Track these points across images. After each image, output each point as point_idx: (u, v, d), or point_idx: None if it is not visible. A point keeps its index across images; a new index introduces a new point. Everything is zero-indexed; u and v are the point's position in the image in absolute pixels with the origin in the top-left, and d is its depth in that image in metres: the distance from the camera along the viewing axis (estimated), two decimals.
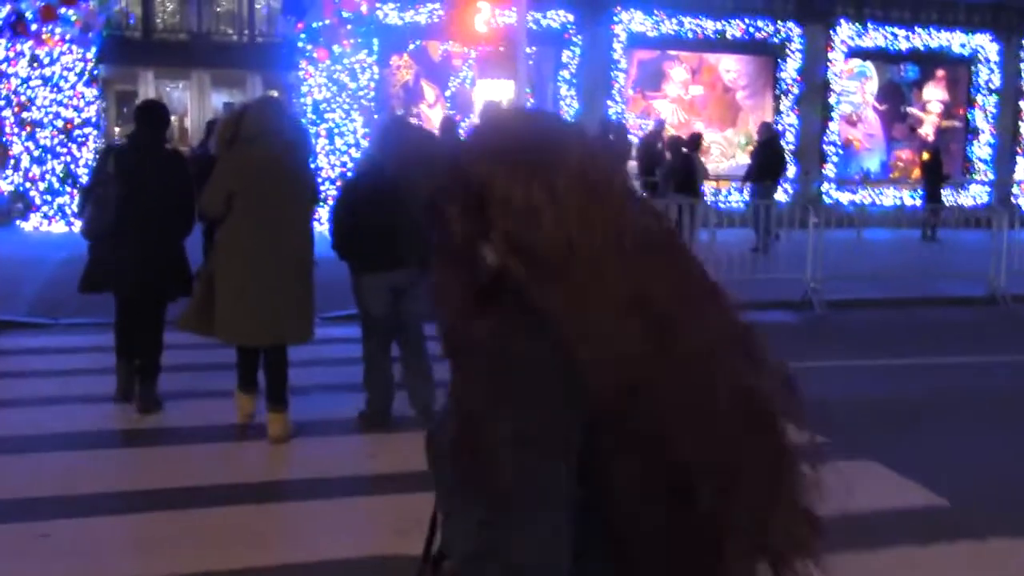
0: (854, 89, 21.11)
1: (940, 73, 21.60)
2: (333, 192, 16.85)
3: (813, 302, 11.08)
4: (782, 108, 20.24)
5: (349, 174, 6.99)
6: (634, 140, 16.86)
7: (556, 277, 1.20)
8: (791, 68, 20.11)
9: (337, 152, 17.22)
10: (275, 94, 18.51)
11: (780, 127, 19.93)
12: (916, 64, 21.29)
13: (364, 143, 17.30)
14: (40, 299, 10.03)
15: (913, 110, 21.69)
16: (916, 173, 20.67)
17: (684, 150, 13.99)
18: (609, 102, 18.95)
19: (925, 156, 19.48)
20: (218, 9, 18.14)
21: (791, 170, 20.23)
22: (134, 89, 18.25)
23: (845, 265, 11.62)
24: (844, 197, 20.41)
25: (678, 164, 13.72)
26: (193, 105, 18.32)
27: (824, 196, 20.28)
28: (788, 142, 20.18)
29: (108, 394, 6.36)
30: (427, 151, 5.34)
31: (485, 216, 1.23)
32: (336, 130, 17.19)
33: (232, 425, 5.90)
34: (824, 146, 20.50)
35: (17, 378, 7.09)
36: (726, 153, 20.37)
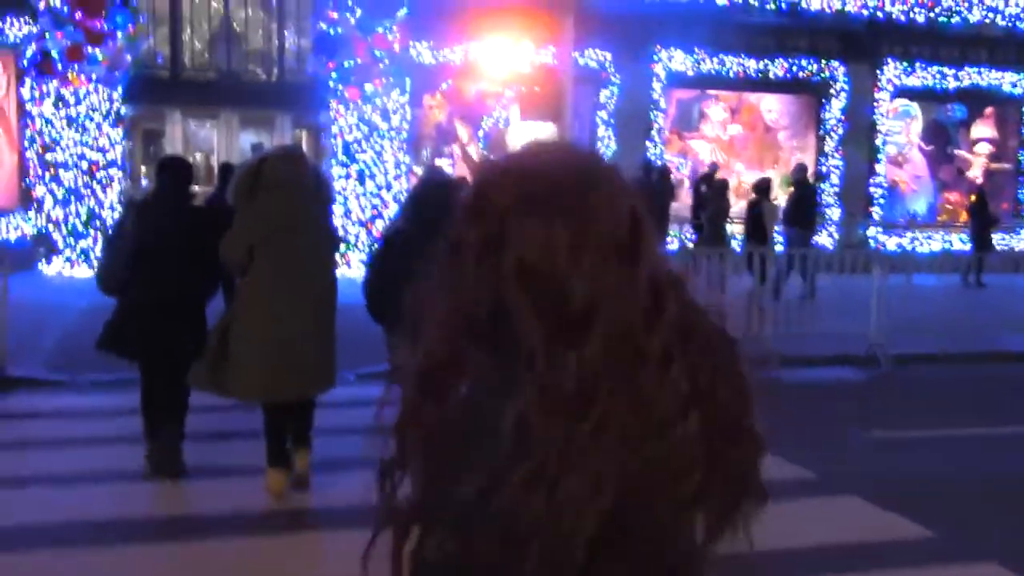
0: (899, 129, 20.44)
1: (988, 111, 20.89)
2: (359, 232, 16.42)
3: (879, 358, 10.37)
4: (826, 149, 19.59)
5: (385, 229, 6.60)
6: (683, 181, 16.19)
7: (563, 340, 1.14)
8: (835, 108, 19.48)
9: (368, 194, 16.70)
10: (301, 138, 18.02)
11: (824, 168, 19.32)
12: (964, 103, 20.60)
13: (395, 184, 16.81)
14: (59, 351, 9.48)
15: (961, 152, 20.97)
16: (964, 216, 19.93)
17: (754, 196, 13.40)
18: (647, 142, 18.37)
19: (972, 199, 18.76)
20: (247, 48, 17.70)
21: (835, 213, 19.58)
22: (161, 129, 17.83)
23: (902, 315, 10.86)
24: (890, 241, 19.72)
25: (745, 209, 13.07)
26: (220, 145, 17.85)
27: (870, 240, 19.58)
28: (833, 184, 19.55)
29: (130, 469, 5.75)
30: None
31: (500, 252, 1.17)
32: (367, 172, 16.68)
33: (266, 512, 5.27)
34: (870, 188, 19.81)
35: (28, 449, 6.47)
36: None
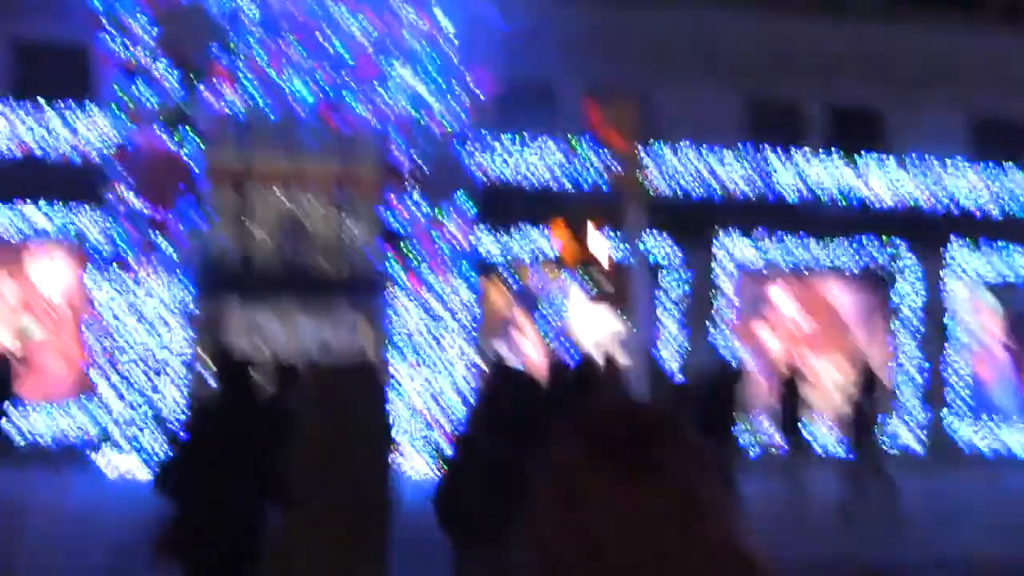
0: (976, 319, 19.70)
1: None
2: (418, 424, 15.92)
3: None
4: (899, 338, 18.90)
5: (459, 431, 6.34)
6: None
7: None
8: (906, 295, 18.92)
9: (429, 386, 16.29)
10: (362, 328, 17.84)
11: (898, 359, 18.58)
12: None
13: (456, 375, 16.39)
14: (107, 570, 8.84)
15: None
16: None
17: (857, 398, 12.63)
18: (713, 330, 17.90)
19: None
20: (312, 239, 17.84)
21: (915, 407, 18.69)
22: (225, 320, 17.83)
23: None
24: (975, 438, 18.71)
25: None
26: (284, 336, 17.74)
27: (951, 437, 18.58)
28: (908, 376, 18.74)
29: None
30: (533, 406, 5.13)
31: (571, 510, 1.21)
32: (428, 361, 16.34)
33: None
34: (947, 381, 18.93)
35: None
36: (840, 387, 18.89)
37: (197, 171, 15.91)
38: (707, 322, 17.91)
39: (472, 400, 5.63)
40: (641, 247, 10.46)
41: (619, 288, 10.21)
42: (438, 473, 5.42)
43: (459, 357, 16.48)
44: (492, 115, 16.84)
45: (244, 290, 17.13)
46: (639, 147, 10.17)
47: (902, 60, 18.80)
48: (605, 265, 10.16)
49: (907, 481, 12.07)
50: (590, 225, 9.88)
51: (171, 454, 5.89)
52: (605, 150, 10.45)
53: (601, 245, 10.01)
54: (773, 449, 15.78)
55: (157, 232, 15.43)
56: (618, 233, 10.79)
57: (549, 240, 16.66)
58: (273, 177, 17.56)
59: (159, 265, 15.51)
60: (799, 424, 13.43)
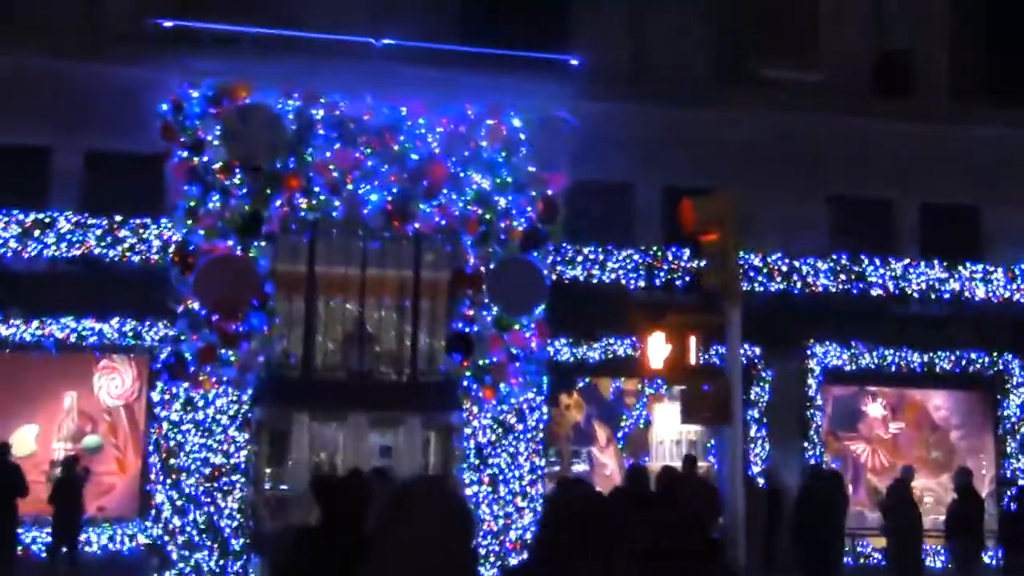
0: None
1: None
2: (491, 543, 15.02)
3: None
4: (1008, 450, 17.58)
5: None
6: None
7: None
8: (1013, 404, 17.67)
9: (501, 501, 15.42)
10: (431, 440, 17.12)
11: (1008, 473, 17.24)
12: None
13: (530, 490, 15.51)
14: None
15: None
16: None
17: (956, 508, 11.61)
18: (803, 443, 16.81)
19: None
20: (380, 349, 17.29)
21: None
22: (288, 430, 17.26)
23: None
24: None
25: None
26: (347, 447, 17.07)
27: None
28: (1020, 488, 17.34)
29: None
30: (600, 527, 4.25)
31: None
32: (500, 476, 15.49)
33: None
34: None
35: None
36: (942, 501, 17.56)
37: (264, 279, 15.54)
38: (797, 434, 16.83)
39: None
40: (739, 354, 9.65)
41: (717, 399, 9.38)
42: None
43: (531, 472, 15.60)
44: (569, 220, 16.30)
45: (308, 402, 16.56)
46: (737, 245, 9.48)
47: (989, 157, 18.00)
48: (700, 374, 9.36)
49: None
50: (687, 334, 9.15)
51: None
52: (700, 251, 9.77)
53: (696, 353, 9.23)
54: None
55: (223, 343, 15.00)
56: (710, 341, 10.07)
57: (634, 349, 15.95)
58: (341, 285, 17.20)
59: (224, 377, 15.05)
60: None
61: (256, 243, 15.48)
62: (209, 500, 14.89)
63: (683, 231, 10.35)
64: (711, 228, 9.23)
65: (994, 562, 15.60)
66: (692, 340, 9.26)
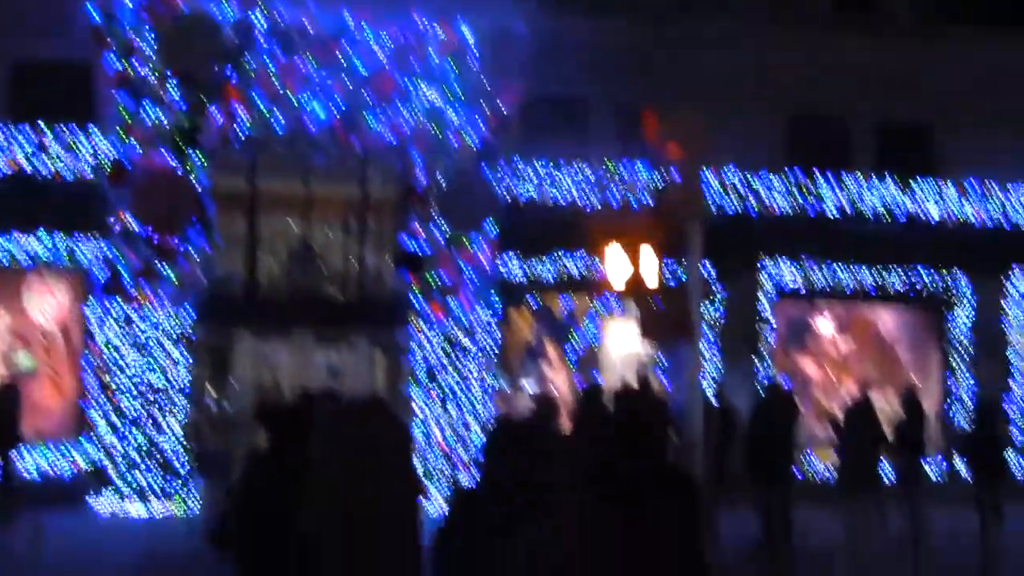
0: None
1: None
2: (441, 463, 14.82)
3: None
4: (953, 366, 17.73)
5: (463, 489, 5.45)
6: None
7: None
8: (961, 321, 17.77)
9: (451, 420, 15.21)
10: (378, 359, 16.82)
11: (954, 388, 17.41)
12: None
13: (482, 409, 15.33)
14: None
15: None
16: None
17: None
18: (754, 360, 16.77)
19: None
20: (325, 267, 16.83)
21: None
22: (229, 350, 16.82)
23: None
24: None
25: None
26: (293, 366, 16.68)
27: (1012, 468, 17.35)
28: (966, 407, 17.56)
29: None
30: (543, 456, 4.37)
31: None
32: (450, 395, 15.26)
33: None
34: (1007, 410, 17.73)
35: None
36: (888, 418, 17.70)
37: (204, 195, 14.93)
38: (748, 352, 16.78)
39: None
40: (700, 271, 9.38)
41: (678, 315, 9.11)
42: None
43: (482, 389, 15.39)
44: (520, 134, 15.83)
45: (251, 320, 16.10)
46: (702, 161, 9.14)
47: (947, 77, 17.78)
48: (660, 290, 9.08)
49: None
50: (644, 248, 8.83)
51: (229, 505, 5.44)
52: (661, 167, 9.42)
53: (653, 269, 8.93)
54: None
55: (161, 260, 14.44)
56: (667, 258, 9.77)
57: (586, 267, 15.69)
58: (284, 201, 16.65)
59: (163, 294, 14.53)
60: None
61: (194, 157, 14.81)
62: (150, 421, 14.48)
63: (648, 145, 9.96)
64: (676, 143, 8.87)
65: (938, 477, 15.83)
66: (652, 255, 8.95)
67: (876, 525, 11.87)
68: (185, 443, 14.71)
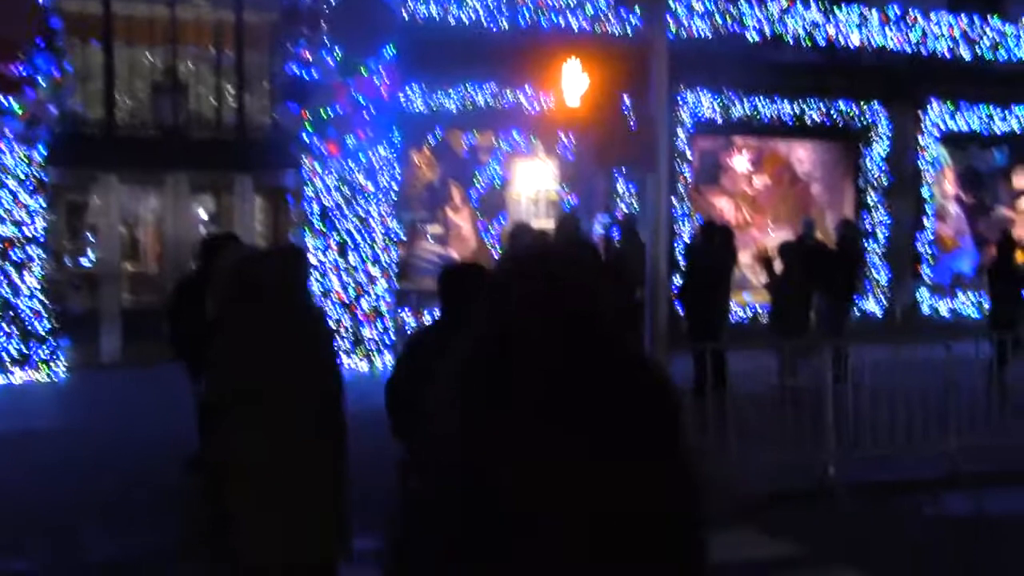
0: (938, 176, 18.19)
1: None
2: (342, 316, 13.49)
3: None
4: (868, 201, 17.24)
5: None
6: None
7: None
8: (876, 155, 17.18)
9: (350, 270, 13.82)
10: (261, 206, 15.20)
11: (869, 225, 16.98)
12: (1010, 147, 18.46)
13: (384, 257, 13.98)
14: None
15: (1003, 210, 18.75)
16: None
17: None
18: (672, 198, 15.82)
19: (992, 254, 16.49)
20: (197, 100, 14.84)
21: (882, 276, 17.27)
22: (91, 198, 14.85)
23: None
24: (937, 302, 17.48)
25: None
26: (168, 217, 14.85)
27: (921, 305, 17.28)
28: (878, 242, 17.19)
29: None
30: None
31: None
32: (350, 243, 13.81)
33: None
34: (918, 246, 17.48)
35: None
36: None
37: (49, 14, 12.72)
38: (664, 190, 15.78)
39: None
40: (664, 97, 8.18)
41: (640, 141, 7.94)
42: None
43: (384, 237, 13.99)
44: None
45: (114, 162, 14.13)
46: None
47: None
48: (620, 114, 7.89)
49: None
50: (607, 66, 7.58)
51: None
52: None
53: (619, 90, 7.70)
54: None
55: (3, 89, 12.26)
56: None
57: (494, 98, 14.29)
58: (145, 28, 14.51)
59: (8, 131, 12.43)
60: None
61: None
62: (3, 279, 12.60)
63: None
64: None
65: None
66: (610, 75, 7.69)
67: (809, 366, 11.34)
68: (45, 303, 12.94)
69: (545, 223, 14.61)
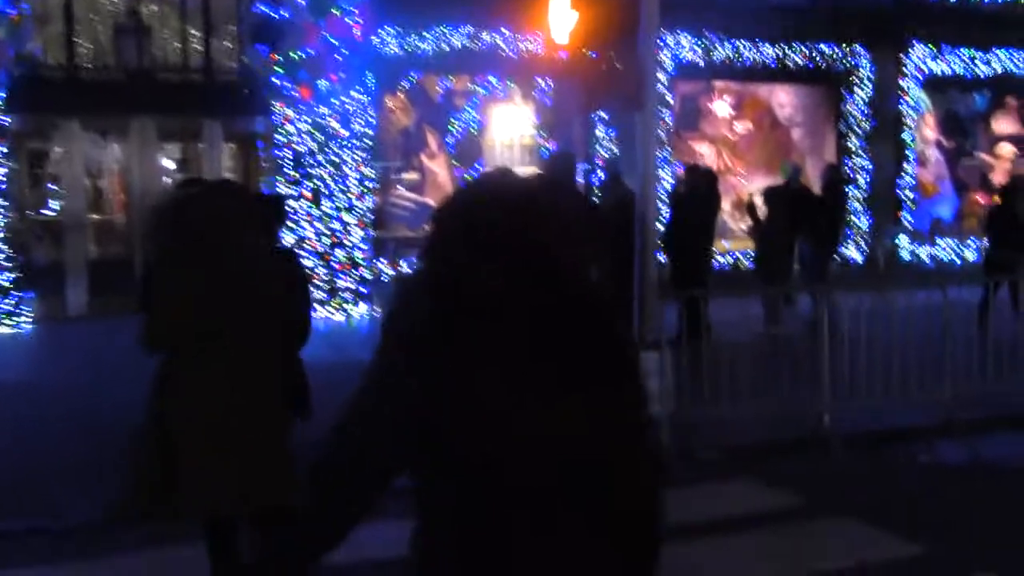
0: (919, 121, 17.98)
1: (1011, 103, 18.62)
2: (316, 265, 13.15)
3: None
4: (850, 147, 17.01)
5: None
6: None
7: None
8: (859, 99, 16.92)
9: (325, 218, 13.45)
10: (233, 151, 14.75)
11: (850, 171, 16.77)
12: (991, 91, 18.26)
13: (358, 204, 13.61)
14: None
15: (983, 156, 18.60)
16: None
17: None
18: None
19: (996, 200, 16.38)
20: (162, 42, 14.28)
21: (863, 222, 17.11)
22: (52, 146, 14.32)
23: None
24: (921, 251, 17.35)
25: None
26: (134, 165, 14.35)
27: (902, 252, 17.15)
28: (859, 188, 17.00)
29: None
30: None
31: None
32: (324, 189, 13.42)
33: None
34: (899, 192, 17.30)
35: None
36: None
37: None
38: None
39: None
40: (654, 37, 7.86)
41: (628, 80, 7.64)
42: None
43: (359, 184, 13.62)
44: None
45: (76, 107, 13.61)
46: None
47: None
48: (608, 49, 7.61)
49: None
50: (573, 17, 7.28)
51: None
52: None
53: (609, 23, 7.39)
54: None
55: None
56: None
57: (470, 39, 13.87)
58: None
59: None
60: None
61: None
62: None
63: None
64: None
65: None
66: (599, 12, 7.37)
67: (795, 313, 11.19)
68: (8, 254, 12.52)
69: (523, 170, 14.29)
